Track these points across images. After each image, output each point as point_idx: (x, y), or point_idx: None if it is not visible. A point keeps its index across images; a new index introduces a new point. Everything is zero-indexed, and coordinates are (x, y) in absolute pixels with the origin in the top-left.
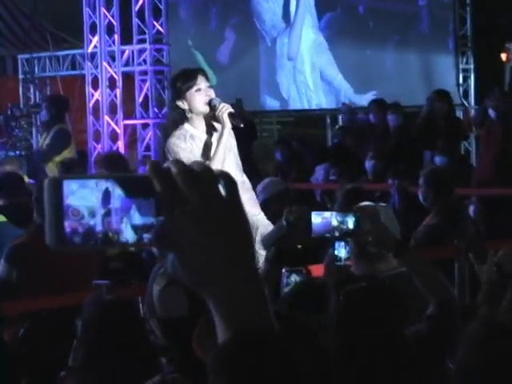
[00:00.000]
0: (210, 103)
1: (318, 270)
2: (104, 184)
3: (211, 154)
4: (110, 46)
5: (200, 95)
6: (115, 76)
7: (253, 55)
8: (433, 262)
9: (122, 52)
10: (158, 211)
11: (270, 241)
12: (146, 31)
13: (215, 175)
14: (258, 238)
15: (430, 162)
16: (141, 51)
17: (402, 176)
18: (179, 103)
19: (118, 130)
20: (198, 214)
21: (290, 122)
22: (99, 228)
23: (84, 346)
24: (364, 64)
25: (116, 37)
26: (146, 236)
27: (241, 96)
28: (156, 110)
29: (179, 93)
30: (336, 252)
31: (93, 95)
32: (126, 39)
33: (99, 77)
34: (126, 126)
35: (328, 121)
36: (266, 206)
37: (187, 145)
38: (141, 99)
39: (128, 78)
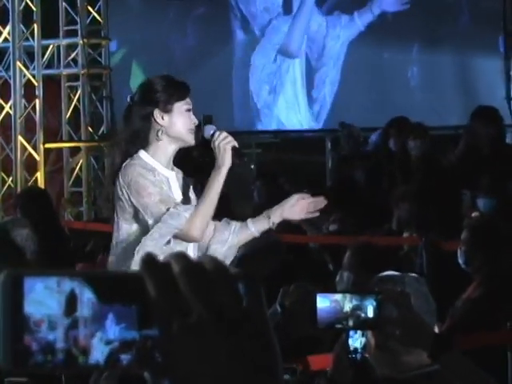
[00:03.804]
0: (199, 127)
1: (322, 362)
2: (68, 284)
3: (179, 199)
4: (27, 39)
5: (188, 118)
6: (34, 81)
7: (224, 55)
8: (478, 351)
9: (44, 48)
10: (141, 323)
11: None
12: (78, 20)
13: (233, 277)
14: None
15: (471, 206)
16: (70, 47)
17: (433, 227)
18: (156, 114)
19: (38, 157)
20: (206, 331)
21: (273, 145)
22: (60, 345)
23: None
24: (380, 70)
25: (35, 27)
26: (125, 357)
27: (209, 112)
28: (90, 129)
29: (166, 101)
30: (350, 341)
31: (2, 108)
32: (50, 31)
33: (11, 82)
34: (47, 152)
35: (329, 145)
36: (245, 264)
37: (156, 178)
38: (69, 114)
39: (52, 84)
